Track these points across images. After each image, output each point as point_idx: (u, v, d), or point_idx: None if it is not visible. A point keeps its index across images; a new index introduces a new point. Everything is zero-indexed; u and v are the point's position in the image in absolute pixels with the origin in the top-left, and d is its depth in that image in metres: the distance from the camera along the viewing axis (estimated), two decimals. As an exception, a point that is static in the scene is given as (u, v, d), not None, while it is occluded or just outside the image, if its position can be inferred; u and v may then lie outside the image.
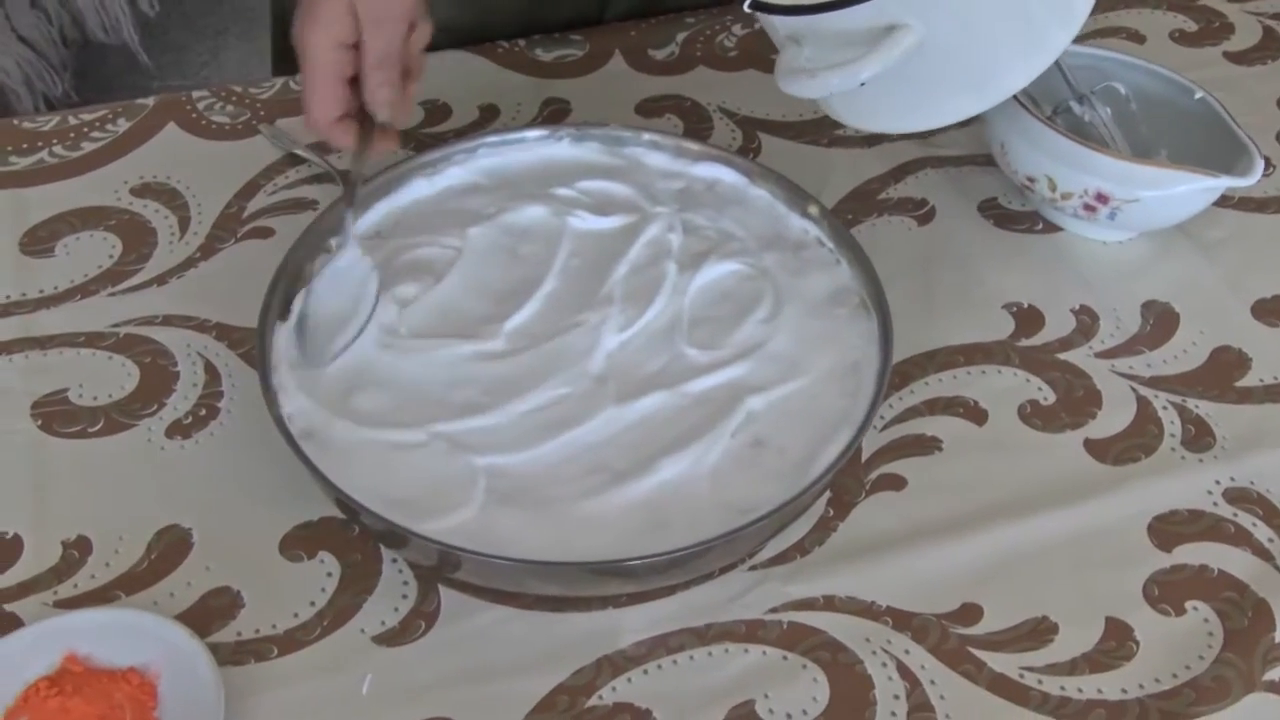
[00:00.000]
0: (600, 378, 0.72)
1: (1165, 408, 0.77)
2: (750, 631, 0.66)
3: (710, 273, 0.77)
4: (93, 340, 0.78)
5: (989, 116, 0.85)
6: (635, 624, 0.66)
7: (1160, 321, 0.82)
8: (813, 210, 0.80)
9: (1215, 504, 0.72)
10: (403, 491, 0.66)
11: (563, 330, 0.74)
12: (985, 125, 0.86)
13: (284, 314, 0.73)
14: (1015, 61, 0.70)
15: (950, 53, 0.68)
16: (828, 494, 0.72)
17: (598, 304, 0.75)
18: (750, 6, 0.67)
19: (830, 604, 0.67)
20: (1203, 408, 0.77)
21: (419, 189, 0.82)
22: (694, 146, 0.85)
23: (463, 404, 0.70)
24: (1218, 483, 0.73)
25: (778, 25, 0.71)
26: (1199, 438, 0.75)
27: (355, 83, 0.74)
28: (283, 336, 0.72)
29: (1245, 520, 0.71)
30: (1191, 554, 0.70)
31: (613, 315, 0.74)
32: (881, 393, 0.70)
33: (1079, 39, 0.97)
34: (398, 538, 0.65)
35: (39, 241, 0.84)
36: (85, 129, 0.92)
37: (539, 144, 0.85)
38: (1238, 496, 0.72)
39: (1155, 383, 0.78)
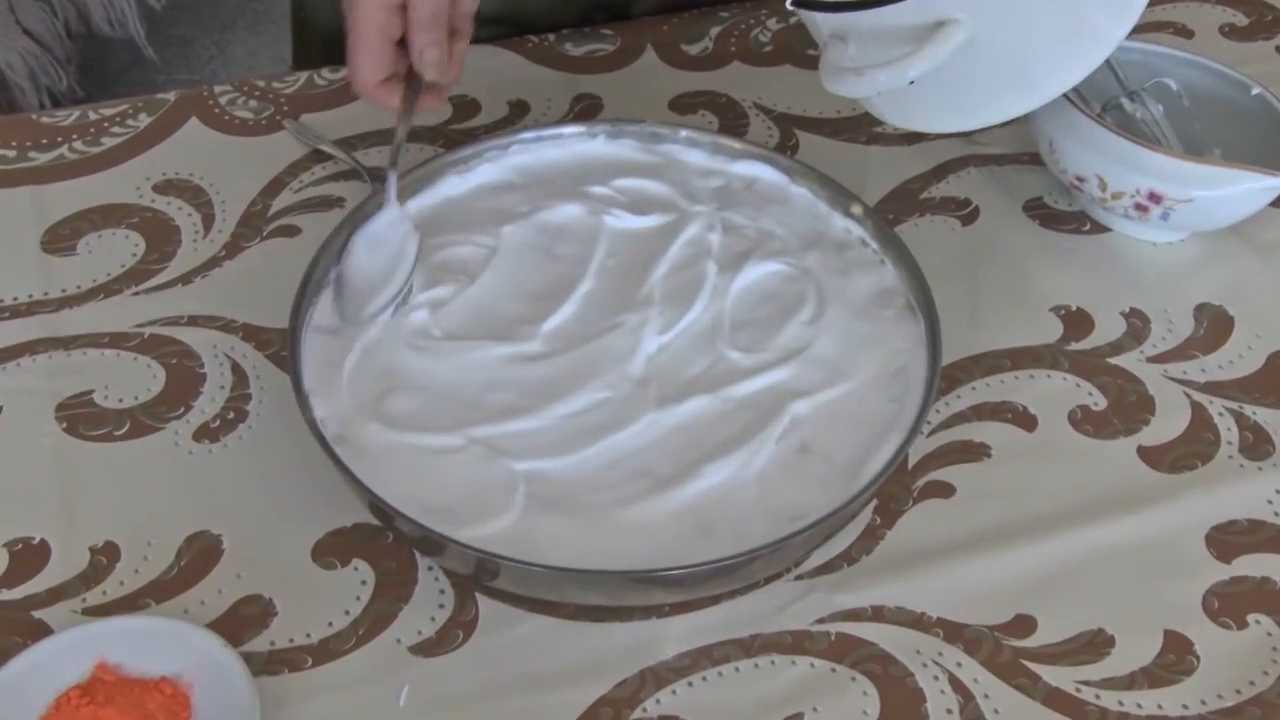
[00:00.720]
0: (641, 381, 0.72)
1: (1221, 414, 0.77)
2: (797, 643, 0.66)
3: (752, 273, 0.77)
4: (117, 341, 0.78)
5: (1036, 114, 0.85)
6: (678, 634, 0.66)
7: (1214, 325, 0.81)
8: (856, 210, 0.80)
9: (1277, 513, 0.72)
10: (440, 497, 0.66)
11: (601, 332, 0.74)
12: (1031, 123, 0.86)
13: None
14: (1067, 58, 0.70)
15: (1000, 49, 0.68)
16: (874, 502, 0.72)
17: (637, 305, 0.75)
18: (794, 4, 0.68)
19: (879, 614, 0.67)
20: (1260, 414, 0.77)
21: (451, 186, 0.83)
22: (733, 144, 0.85)
23: (500, 407, 0.70)
24: (1278, 492, 0.73)
25: (821, 23, 0.71)
26: (1257, 445, 0.75)
27: (402, 44, 0.75)
28: (323, 301, 0.74)
29: (1308, 532, 0.71)
30: (1252, 565, 0.70)
31: (652, 317, 0.75)
32: (931, 397, 0.70)
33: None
34: (434, 545, 0.65)
35: (60, 239, 0.84)
36: (106, 124, 0.92)
37: (573, 141, 0.85)
38: (1300, 508, 0.72)
39: (1210, 388, 0.78)
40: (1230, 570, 0.69)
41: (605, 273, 0.77)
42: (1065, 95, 0.80)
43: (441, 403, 0.71)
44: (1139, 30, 0.98)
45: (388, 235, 0.75)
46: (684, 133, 0.85)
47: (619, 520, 0.66)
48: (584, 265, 0.78)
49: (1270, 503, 0.72)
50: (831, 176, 0.82)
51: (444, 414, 0.70)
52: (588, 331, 0.74)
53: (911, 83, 0.67)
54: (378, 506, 0.65)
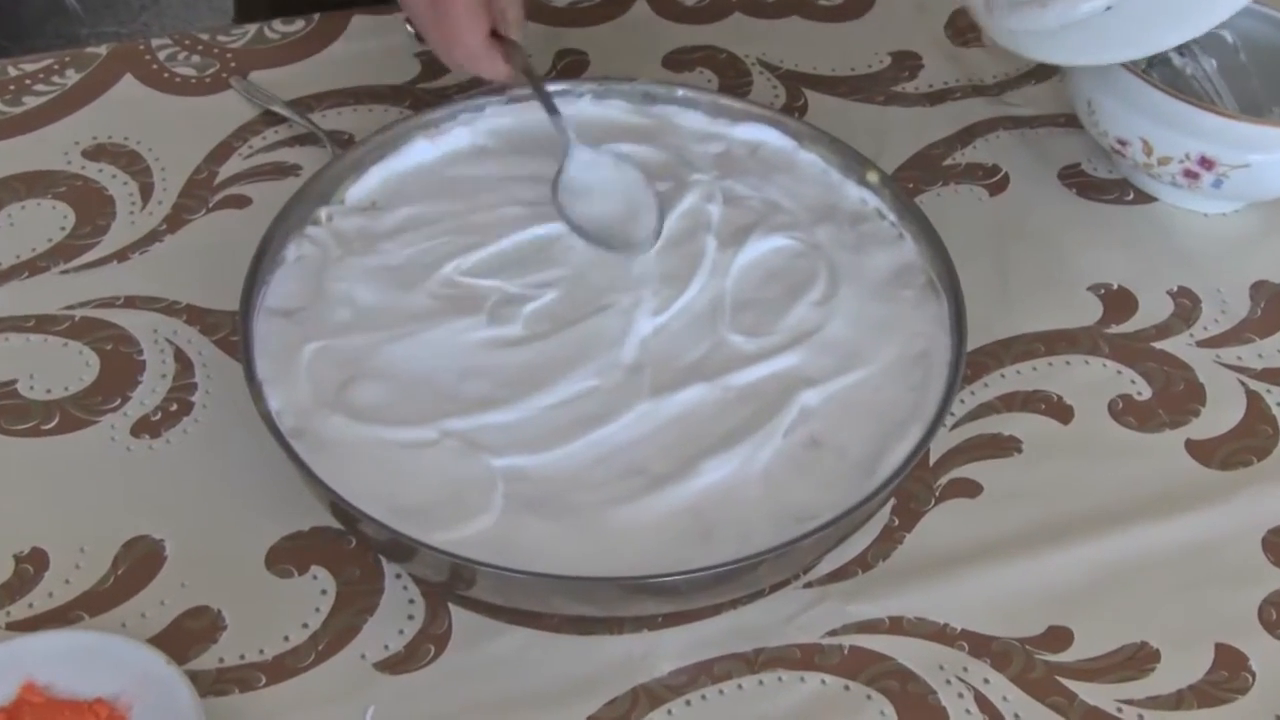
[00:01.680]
0: (633, 368, 0.73)
1: None
2: (806, 658, 0.67)
3: (756, 249, 0.79)
4: (44, 324, 0.79)
5: (1072, 71, 0.86)
6: (675, 648, 0.67)
7: (1272, 305, 0.83)
8: (871, 177, 0.81)
9: (1342, 515, 0.73)
10: (409, 497, 0.67)
11: (590, 314, 0.75)
12: (1068, 81, 0.87)
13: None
14: None
15: None
16: (892, 501, 0.73)
17: (629, 284, 0.77)
18: None
19: (898, 626, 0.68)
20: (1323, 405, 0.78)
21: (420, 152, 0.84)
22: (734, 104, 0.86)
23: (477, 397, 0.72)
24: (1342, 491, 0.74)
25: None
26: (1320, 439, 0.77)
27: None
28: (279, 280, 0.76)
29: (1376, 533, 0.73)
30: (1314, 572, 0.71)
31: (646, 297, 0.76)
32: (956, 385, 0.71)
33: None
34: (403, 549, 0.66)
35: (-22, 211, 0.85)
36: (27, 81, 0.93)
37: (556, 102, 0.86)
38: (1364, 506, 0.74)
39: (1268, 375, 0.79)
40: (1289, 577, 0.71)
41: (593, 249, 0.78)
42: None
43: (411, 392, 0.72)
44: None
45: (598, 174, 0.79)
46: (680, 92, 0.86)
47: (609, 522, 0.67)
48: (570, 240, 0.79)
49: (1334, 503, 0.74)
50: (844, 141, 0.83)
51: (414, 404, 0.71)
52: (574, 313, 0.76)
53: (1108, 9, 0.71)
54: (339, 507, 0.66)
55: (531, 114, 0.85)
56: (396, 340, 0.74)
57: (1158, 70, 0.87)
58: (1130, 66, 0.82)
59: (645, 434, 0.71)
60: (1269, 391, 0.79)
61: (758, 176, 0.83)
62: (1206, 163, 0.82)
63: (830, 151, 0.83)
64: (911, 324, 0.76)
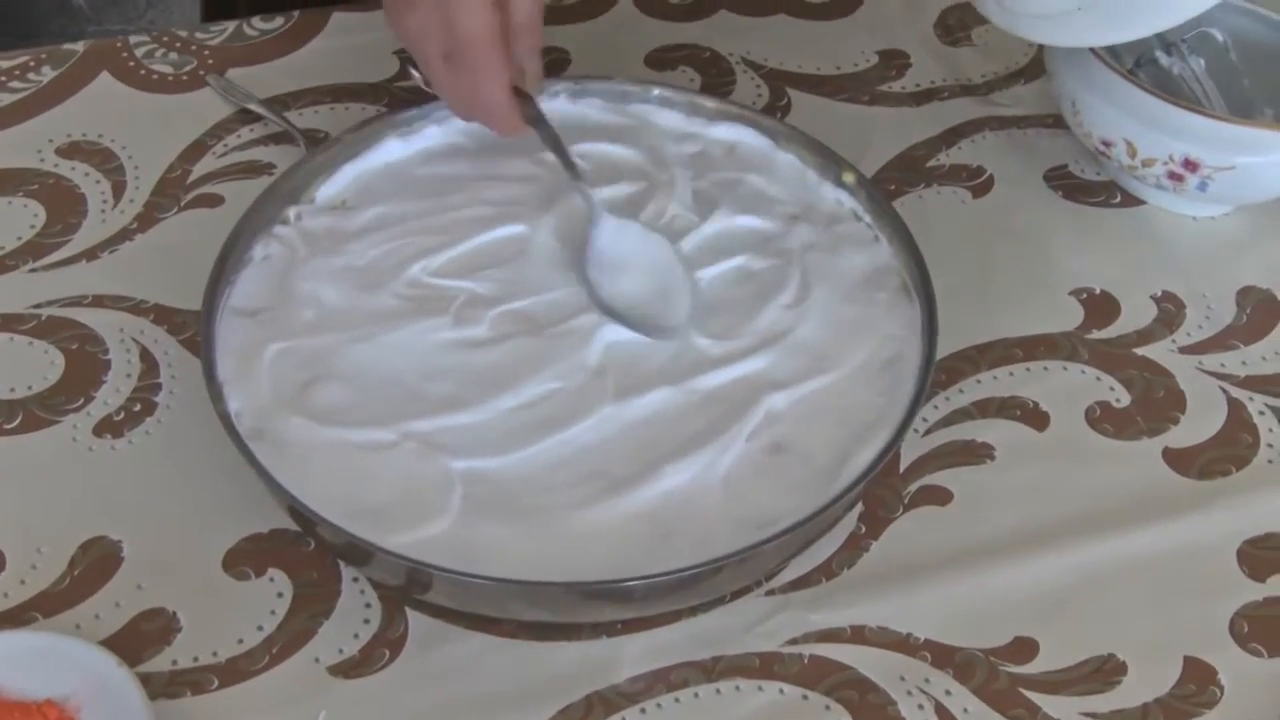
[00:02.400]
0: (598, 371, 0.73)
1: (1262, 412, 0.78)
2: (765, 666, 0.67)
3: (727, 261, 0.79)
4: (10, 323, 0.80)
5: (1057, 69, 0.86)
6: (632, 655, 0.68)
7: (1259, 312, 0.83)
8: (848, 178, 0.82)
9: (1320, 526, 0.73)
10: (367, 500, 0.68)
11: (558, 316, 0.76)
12: (1053, 81, 0.87)
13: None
14: None
15: None
16: (860, 508, 0.73)
17: (596, 285, 0.77)
18: None
19: (859, 635, 0.68)
20: (1309, 415, 0.78)
21: (391, 150, 0.85)
22: (711, 104, 0.86)
23: (439, 399, 0.72)
24: (1323, 502, 0.74)
25: None
26: (1302, 449, 0.77)
27: None
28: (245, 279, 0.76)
29: (1355, 545, 0.72)
30: (1290, 585, 0.71)
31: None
32: (924, 390, 0.71)
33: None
34: (359, 553, 0.66)
35: (-52, 208, 0.86)
36: (3, 78, 0.94)
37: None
38: (1346, 517, 0.74)
39: (1251, 383, 0.79)
40: (1265, 590, 0.71)
41: (562, 248, 0.79)
42: (1092, 49, 0.82)
43: (373, 393, 0.72)
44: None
45: (624, 249, 0.77)
46: (656, 91, 0.87)
47: (567, 526, 0.68)
48: (538, 241, 0.79)
49: (1313, 513, 0.74)
50: (821, 141, 0.83)
51: (375, 406, 0.72)
52: (542, 315, 0.76)
53: None
54: (296, 510, 0.66)
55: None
56: (360, 341, 0.74)
57: (1145, 70, 0.87)
58: (1115, 65, 0.82)
59: (607, 437, 0.71)
60: (1251, 399, 0.78)
61: (737, 173, 0.83)
62: (1191, 164, 0.82)
63: (807, 151, 0.84)
64: (884, 327, 0.76)
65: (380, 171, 0.84)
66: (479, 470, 0.69)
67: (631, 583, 0.65)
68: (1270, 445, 0.77)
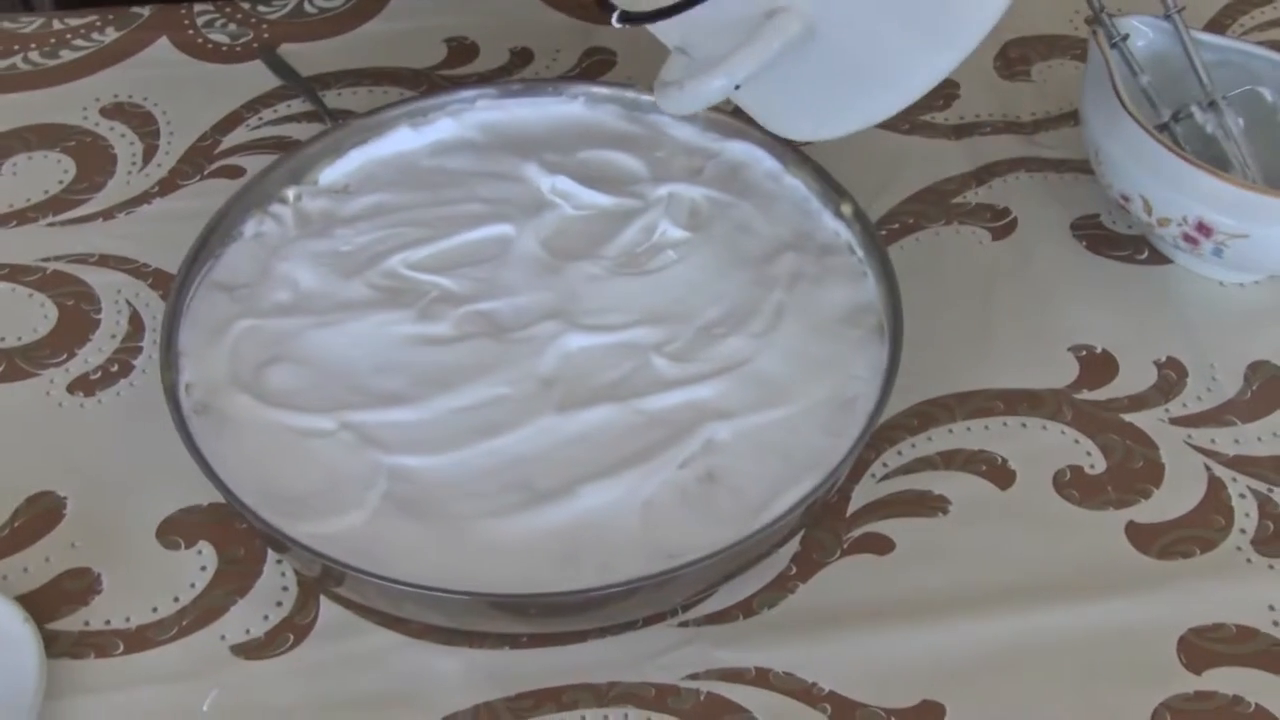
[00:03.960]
0: (547, 380, 0.72)
1: (1243, 495, 0.73)
2: (659, 698, 0.66)
3: (705, 272, 0.77)
4: (16, 274, 0.82)
5: (1087, 116, 0.82)
6: (528, 669, 0.67)
7: (1266, 388, 0.78)
8: (845, 209, 0.79)
9: (1276, 623, 0.69)
10: (290, 486, 0.68)
11: (523, 322, 0.75)
12: (1083, 126, 0.83)
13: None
14: (918, 54, 0.65)
15: (843, 42, 0.64)
16: (796, 549, 0.71)
17: (569, 295, 0.76)
18: (619, 20, 0.67)
19: (763, 678, 0.66)
20: (1293, 502, 0.73)
21: (403, 139, 0.85)
22: (730, 121, 0.84)
23: (384, 392, 0.72)
24: (1286, 597, 0.70)
25: (661, 38, 0.70)
26: (1277, 539, 0.72)
27: None
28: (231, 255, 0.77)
29: (1309, 649, 0.68)
30: (1227, 680, 0.67)
31: (583, 310, 0.75)
32: (866, 433, 0.69)
33: (1223, 29, 0.94)
34: (268, 537, 0.66)
35: (-12, 157, 0.89)
36: (69, 36, 0.96)
37: (549, 102, 0.86)
38: (1307, 618, 0.69)
39: (1238, 463, 0.75)
40: (1197, 683, 0.66)
41: (544, 255, 0.78)
42: (1117, 96, 0.78)
43: (325, 380, 0.73)
44: (1252, 30, 0.95)
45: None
46: (674, 103, 0.85)
47: (479, 534, 0.67)
48: (521, 244, 0.78)
49: (1272, 609, 0.69)
50: (829, 170, 0.80)
51: (323, 393, 0.72)
52: (509, 319, 0.75)
53: (738, 88, 0.65)
54: (218, 488, 0.67)
55: (522, 110, 0.86)
56: (323, 326, 0.75)
57: (1184, 125, 0.82)
58: (1134, 115, 0.78)
59: (541, 449, 0.70)
60: (1234, 480, 0.74)
61: (734, 196, 0.81)
62: (1205, 229, 0.77)
63: (814, 178, 0.81)
64: (850, 366, 0.73)
65: (388, 159, 0.84)
66: (406, 468, 0.69)
67: (511, 598, 0.64)
68: (1243, 531, 0.72)
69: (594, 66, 0.95)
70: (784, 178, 0.82)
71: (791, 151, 0.82)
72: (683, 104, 0.66)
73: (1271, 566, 0.71)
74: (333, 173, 0.83)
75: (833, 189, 0.80)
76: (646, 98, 0.85)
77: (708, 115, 0.84)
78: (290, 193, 0.81)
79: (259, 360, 0.73)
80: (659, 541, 0.67)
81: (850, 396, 0.72)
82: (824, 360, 0.74)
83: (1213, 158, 0.80)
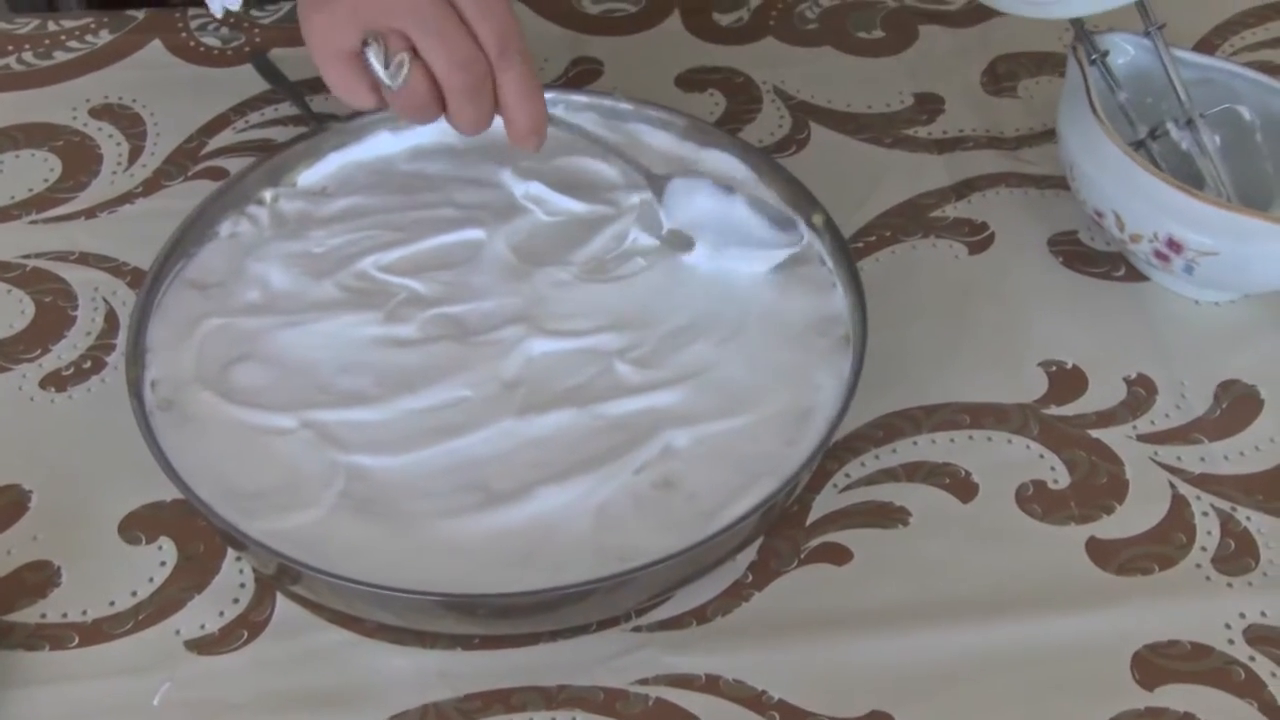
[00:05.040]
0: (510, 384, 0.73)
1: (1206, 513, 0.73)
2: (608, 702, 0.66)
3: (672, 278, 0.77)
4: (-3, 270, 0.83)
5: (1063, 132, 0.82)
6: (478, 670, 0.67)
7: (1235, 407, 0.77)
8: (817, 219, 0.79)
9: (1231, 641, 0.68)
10: (247, 483, 0.69)
11: (490, 326, 0.75)
12: (1059, 143, 0.83)
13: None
14: None
15: None
16: (754, 557, 0.71)
17: (536, 300, 0.76)
18: None
19: (713, 685, 0.66)
20: (1255, 521, 0.73)
21: (382, 144, 0.85)
22: (706, 129, 0.84)
23: (347, 392, 0.72)
24: (1242, 616, 0.69)
25: None
26: (1237, 558, 0.71)
27: None
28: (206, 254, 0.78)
29: (1263, 668, 0.67)
30: (1179, 697, 0.66)
31: (549, 315, 0.75)
32: (826, 442, 0.68)
33: (1214, 49, 0.94)
34: (223, 533, 0.67)
35: (-25, 155, 0.90)
36: (63, 38, 0.97)
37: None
38: (1262, 637, 0.68)
39: (1203, 481, 0.74)
40: (1148, 699, 0.66)
41: (513, 260, 0.78)
42: (1093, 111, 0.78)
43: (288, 379, 0.73)
44: (1241, 51, 0.94)
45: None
46: (654, 112, 0.85)
47: (433, 534, 0.67)
48: (491, 249, 0.79)
49: (1229, 627, 0.68)
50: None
51: (286, 392, 0.72)
52: (475, 323, 0.76)
53: None
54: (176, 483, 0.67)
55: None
56: (290, 326, 0.75)
57: (1161, 142, 0.82)
58: (1108, 131, 0.77)
59: (499, 452, 0.70)
60: (1198, 498, 0.73)
61: (706, 204, 0.81)
62: (1175, 245, 0.77)
63: (786, 188, 0.81)
64: (813, 376, 0.73)
65: (366, 163, 0.85)
66: (363, 467, 0.69)
67: (456, 598, 0.64)
68: (1204, 549, 0.71)
69: (580, 75, 0.96)
70: (758, 188, 0.82)
71: (765, 161, 0.82)
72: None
73: (1230, 585, 0.70)
74: (311, 175, 0.83)
75: (805, 198, 0.80)
76: (625, 106, 0.85)
77: (686, 124, 0.84)
78: (268, 194, 0.82)
79: (226, 358, 0.74)
80: (611, 546, 0.67)
81: (811, 406, 0.72)
82: (787, 370, 0.74)
83: (1190, 175, 0.80)
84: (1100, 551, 0.71)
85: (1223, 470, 0.75)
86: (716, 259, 0.77)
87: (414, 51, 0.67)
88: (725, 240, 0.77)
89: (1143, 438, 0.76)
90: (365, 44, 0.66)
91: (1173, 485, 0.74)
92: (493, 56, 0.67)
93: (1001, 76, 0.96)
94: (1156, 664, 0.67)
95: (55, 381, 0.78)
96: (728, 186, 0.77)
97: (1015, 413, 0.77)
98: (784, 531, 0.72)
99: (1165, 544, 0.72)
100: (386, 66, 0.67)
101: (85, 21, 0.98)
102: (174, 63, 0.96)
